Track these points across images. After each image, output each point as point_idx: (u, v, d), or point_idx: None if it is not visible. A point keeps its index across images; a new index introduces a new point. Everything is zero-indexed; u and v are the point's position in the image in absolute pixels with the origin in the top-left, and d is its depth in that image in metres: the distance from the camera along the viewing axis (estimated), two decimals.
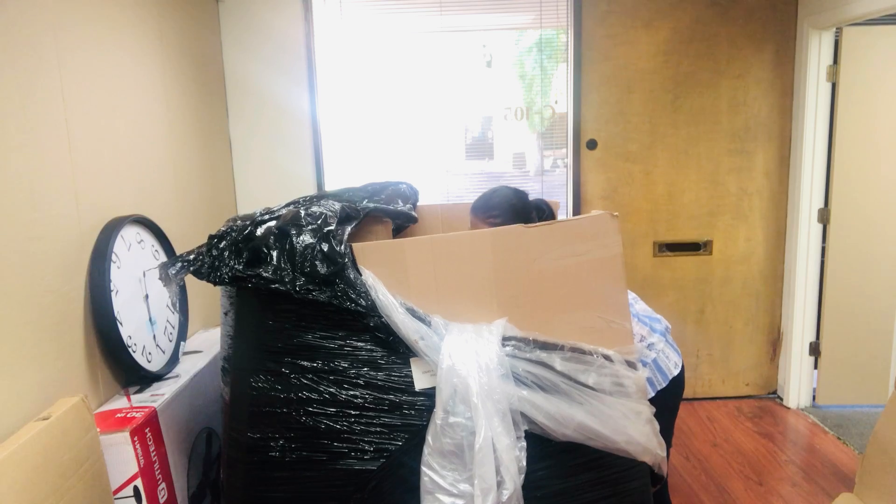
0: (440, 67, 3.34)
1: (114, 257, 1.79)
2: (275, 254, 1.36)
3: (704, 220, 3.45)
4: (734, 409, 3.48)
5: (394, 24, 3.30)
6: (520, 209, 1.90)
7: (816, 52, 3.20)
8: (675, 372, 1.88)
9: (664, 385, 1.85)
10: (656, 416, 1.82)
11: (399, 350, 1.37)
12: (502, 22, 3.37)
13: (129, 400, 1.78)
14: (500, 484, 1.27)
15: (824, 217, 3.34)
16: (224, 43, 3.14)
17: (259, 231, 1.41)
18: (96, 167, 1.84)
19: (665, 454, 1.51)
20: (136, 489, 1.59)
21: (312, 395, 1.36)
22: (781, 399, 3.57)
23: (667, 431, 1.90)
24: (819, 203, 3.33)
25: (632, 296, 1.94)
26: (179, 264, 1.44)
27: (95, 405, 1.74)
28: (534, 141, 3.49)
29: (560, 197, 3.46)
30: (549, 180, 3.48)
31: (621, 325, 1.45)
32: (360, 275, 1.37)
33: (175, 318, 2.17)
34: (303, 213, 1.43)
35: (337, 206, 1.48)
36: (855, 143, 3.26)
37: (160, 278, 1.47)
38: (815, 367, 3.50)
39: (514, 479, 1.28)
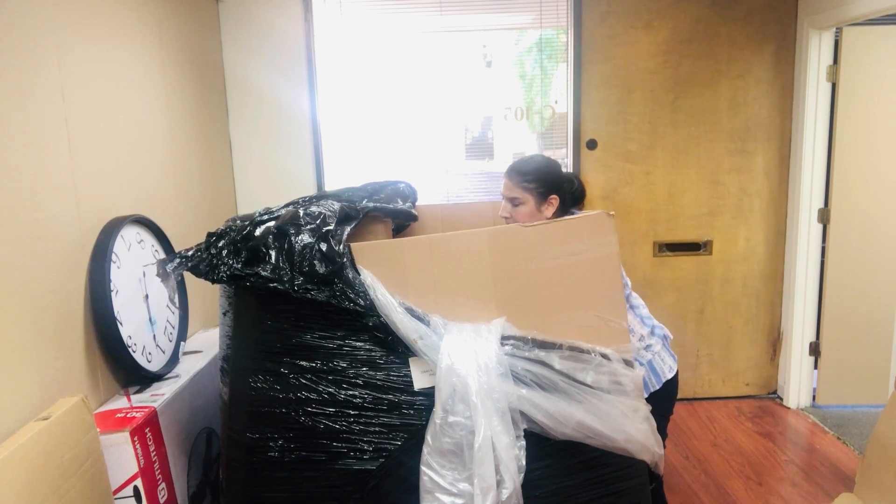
0: (440, 67, 3.34)
1: (114, 257, 1.79)
2: (273, 253, 1.36)
3: (704, 220, 3.45)
4: (734, 409, 3.48)
5: (394, 24, 3.30)
6: (552, 179, 1.90)
7: (816, 52, 3.20)
8: (670, 376, 1.88)
9: (657, 387, 1.86)
10: None
11: (398, 350, 1.37)
12: (502, 22, 3.37)
13: (129, 400, 1.78)
14: (499, 483, 1.27)
15: (824, 217, 3.34)
16: (224, 43, 3.14)
17: (258, 231, 1.41)
18: (96, 167, 1.85)
19: (662, 451, 1.51)
20: (136, 489, 1.59)
21: (311, 395, 1.37)
22: (781, 399, 3.57)
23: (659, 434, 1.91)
24: (819, 203, 3.33)
25: (639, 301, 1.96)
26: (177, 260, 1.44)
27: (95, 405, 1.74)
28: (534, 141, 3.49)
29: None
30: None
31: (618, 323, 1.45)
32: (359, 274, 1.37)
33: (175, 318, 2.17)
34: (301, 213, 1.43)
35: (336, 205, 1.48)
36: (855, 143, 3.25)
37: (158, 274, 1.47)
38: (815, 367, 3.50)
39: (513, 478, 1.28)
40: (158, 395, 1.80)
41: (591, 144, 3.36)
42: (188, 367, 2.05)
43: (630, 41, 3.27)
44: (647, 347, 1.88)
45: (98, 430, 1.55)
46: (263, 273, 1.34)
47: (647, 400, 1.78)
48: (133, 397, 1.80)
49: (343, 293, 1.34)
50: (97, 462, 1.50)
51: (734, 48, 3.29)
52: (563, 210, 1.95)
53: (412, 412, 1.36)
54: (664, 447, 1.93)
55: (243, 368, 1.43)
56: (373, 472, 1.35)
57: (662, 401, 1.88)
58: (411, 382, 1.37)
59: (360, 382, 1.37)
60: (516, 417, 1.33)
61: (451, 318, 1.39)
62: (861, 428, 3.16)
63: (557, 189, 1.90)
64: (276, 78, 3.19)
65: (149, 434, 1.65)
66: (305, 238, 1.38)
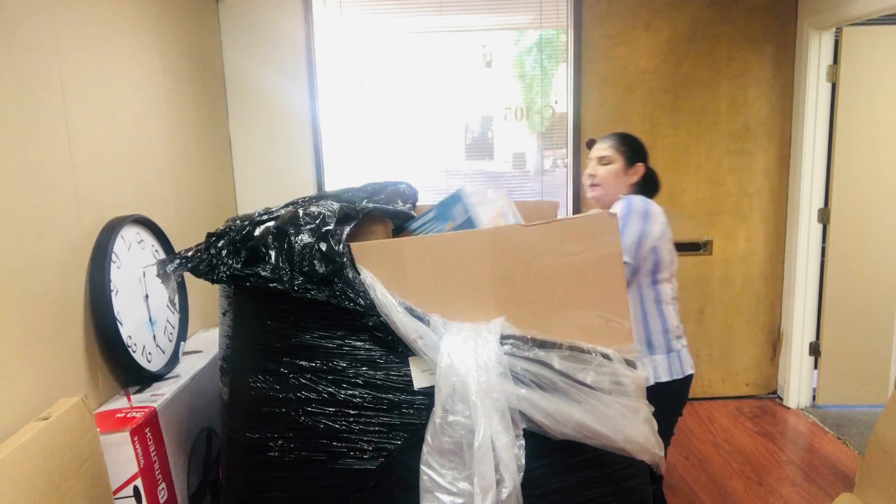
0: (440, 67, 3.34)
1: (114, 257, 1.79)
2: (273, 253, 1.36)
3: (704, 220, 3.45)
4: (734, 409, 3.48)
5: (394, 23, 3.30)
6: (641, 150, 2.02)
7: (816, 52, 3.20)
8: (690, 371, 1.92)
9: (675, 378, 1.87)
10: (656, 412, 1.86)
11: (398, 349, 1.37)
12: (502, 22, 3.37)
13: (129, 400, 1.78)
14: (499, 482, 1.27)
15: (824, 217, 3.34)
16: (224, 43, 3.15)
17: (257, 231, 1.41)
18: (96, 167, 1.85)
19: (663, 453, 1.50)
20: (136, 489, 1.59)
21: (311, 394, 1.36)
22: (781, 399, 3.57)
23: (665, 430, 1.93)
24: (819, 203, 3.33)
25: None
26: (177, 261, 1.44)
27: (95, 405, 1.74)
28: (534, 141, 3.49)
29: (560, 197, 3.46)
30: (548, 180, 3.49)
31: (620, 323, 1.44)
32: (359, 274, 1.37)
33: (175, 318, 2.17)
34: (301, 213, 1.43)
35: (335, 206, 1.48)
36: (855, 143, 3.26)
37: (157, 275, 1.47)
38: (815, 367, 3.50)
39: (513, 477, 1.28)
40: (158, 395, 1.80)
41: (591, 144, 3.35)
42: (188, 367, 2.05)
43: (630, 41, 3.28)
44: (678, 338, 1.93)
45: (98, 430, 1.55)
46: (263, 273, 1.34)
47: (661, 393, 1.83)
48: (133, 397, 1.80)
49: (343, 293, 1.34)
50: (97, 462, 1.50)
51: (734, 48, 3.29)
52: (642, 191, 1.98)
53: (412, 411, 1.36)
54: (668, 444, 1.96)
55: (243, 368, 1.43)
56: (372, 472, 1.35)
57: (674, 395, 1.90)
58: (411, 382, 1.37)
59: (359, 382, 1.37)
60: (515, 417, 1.33)
61: (451, 318, 1.39)
62: (861, 428, 3.16)
63: (644, 160, 2.00)
64: (277, 78, 3.19)
65: (149, 434, 1.65)
66: (305, 238, 1.37)
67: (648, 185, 2.02)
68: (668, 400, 1.91)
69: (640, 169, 1.96)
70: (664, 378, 1.86)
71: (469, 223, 1.57)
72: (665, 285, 1.87)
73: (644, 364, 1.85)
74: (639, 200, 1.81)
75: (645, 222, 1.77)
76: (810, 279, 3.40)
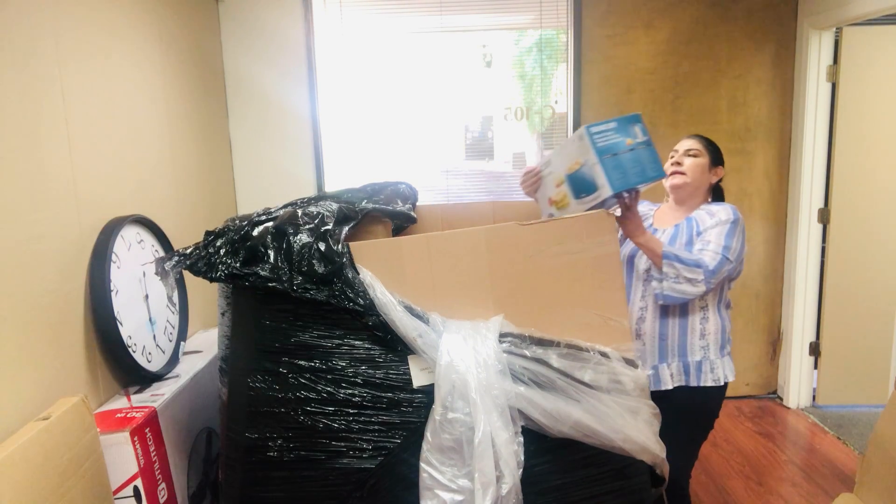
0: (440, 67, 3.34)
1: (114, 257, 1.79)
2: (272, 253, 1.36)
3: None
4: (734, 409, 3.48)
5: (394, 24, 3.30)
6: (722, 157, 2.04)
7: (816, 52, 3.20)
8: (728, 379, 1.92)
9: (730, 380, 1.90)
10: (718, 409, 1.91)
11: (397, 348, 1.37)
12: (502, 22, 3.37)
13: (129, 400, 1.78)
14: (499, 478, 1.27)
15: (824, 217, 3.34)
16: (224, 43, 3.15)
17: (256, 231, 1.41)
18: (96, 167, 1.85)
19: (664, 455, 1.50)
20: (136, 489, 1.59)
21: (310, 394, 1.37)
22: (781, 399, 3.57)
23: (690, 441, 1.97)
24: (819, 203, 3.33)
25: None
26: (175, 259, 1.44)
27: (95, 405, 1.74)
28: (534, 141, 3.49)
29: None
30: None
31: (619, 322, 1.45)
32: (358, 273, 1.37)
33: (175, 319, 2.17)
34: (300, 213, 1.43)
35: (334, 206, 1.49)
36: (855, 143, 3.25)
37: (156, 272, 1.47)
38: (815, 367, 3.50)
39: (513, 473, 1.28)
40: (158, 395, 1.80)
41: None
42: (188, 367, 2.05)
43: (630, 41, 3.27)
44: (730, 342, 1.95)
45: (98, 430, 1.55)
46: (262, 272, 1.34)
47: (724, 392, 1.88)
48: (133, 397, 1.80)
49: (342, 292, 1.34)
50: (97, 462, 1.50)
51: (734, 48, 3.29)
52: (714, 197, 2.04)
53: (411, 410, 1.36)
54: (695, 458, 2.00)
55: (242, 368, 1.43)
56: (372, 471, 1.35)
57: (708, 408, 1.93)
58: (410, 380, 1.37)
59: (359, 381, 1.37)
60: (514, 414, 1.33)
61: (450, 316, 1.40)
62: (861, 428, 3.16)
63: (723, 166, 2.05)
64: (277, 78, 3.19)
65: (149, 434, 1.65)
66: (304, 238, 1.38)
67: (720, 195, 2.08)
68: (724, 397, 1.95)
69: (720, 171, 2.03)
70: (730, 377, 1.92)
71: (648, 147, 1.63)
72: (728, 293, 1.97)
73: (716, 366, 1.88)
74: (741, 215, 1.91)
75: (743, 234, 1.88)
76: (810, 279, 3.39)
